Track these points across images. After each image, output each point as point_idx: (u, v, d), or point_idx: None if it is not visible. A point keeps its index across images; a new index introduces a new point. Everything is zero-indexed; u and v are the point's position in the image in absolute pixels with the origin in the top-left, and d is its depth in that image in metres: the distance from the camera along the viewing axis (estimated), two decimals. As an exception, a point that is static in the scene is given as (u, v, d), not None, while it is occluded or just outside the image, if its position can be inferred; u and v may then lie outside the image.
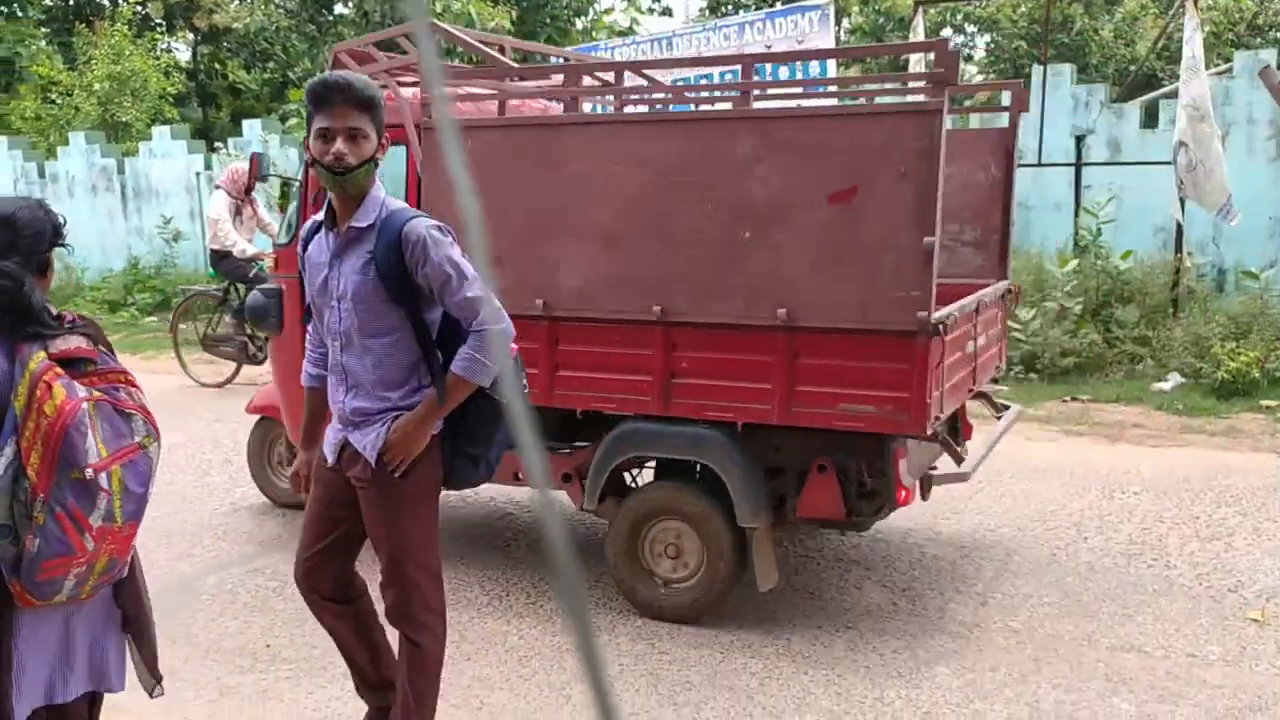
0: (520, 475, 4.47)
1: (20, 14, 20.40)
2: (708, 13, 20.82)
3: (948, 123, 3.63)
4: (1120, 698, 3.58)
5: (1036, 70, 10.06)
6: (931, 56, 4.19)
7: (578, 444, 4.48)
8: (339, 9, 19.78)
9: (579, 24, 21.02)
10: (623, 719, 3.51)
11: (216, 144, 15.66)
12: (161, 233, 14.46)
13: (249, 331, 8.90)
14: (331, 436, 3.00)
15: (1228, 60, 11.13)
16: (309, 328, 3.11)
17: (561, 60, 6.46)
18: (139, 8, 21.45)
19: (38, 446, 2.17)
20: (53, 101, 19.49)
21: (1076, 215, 9.44)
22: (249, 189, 8.94)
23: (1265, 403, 7.39)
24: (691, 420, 4.10)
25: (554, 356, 4.26)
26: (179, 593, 4.78)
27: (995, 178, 5.09)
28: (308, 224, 3.00)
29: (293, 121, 15.43)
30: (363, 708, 3.31)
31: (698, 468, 4.30)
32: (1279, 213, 9.06)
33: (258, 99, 20.55)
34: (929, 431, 3.79)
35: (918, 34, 9.47)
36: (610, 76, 5.29)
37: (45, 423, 2.16)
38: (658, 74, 9.38)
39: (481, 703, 3.68)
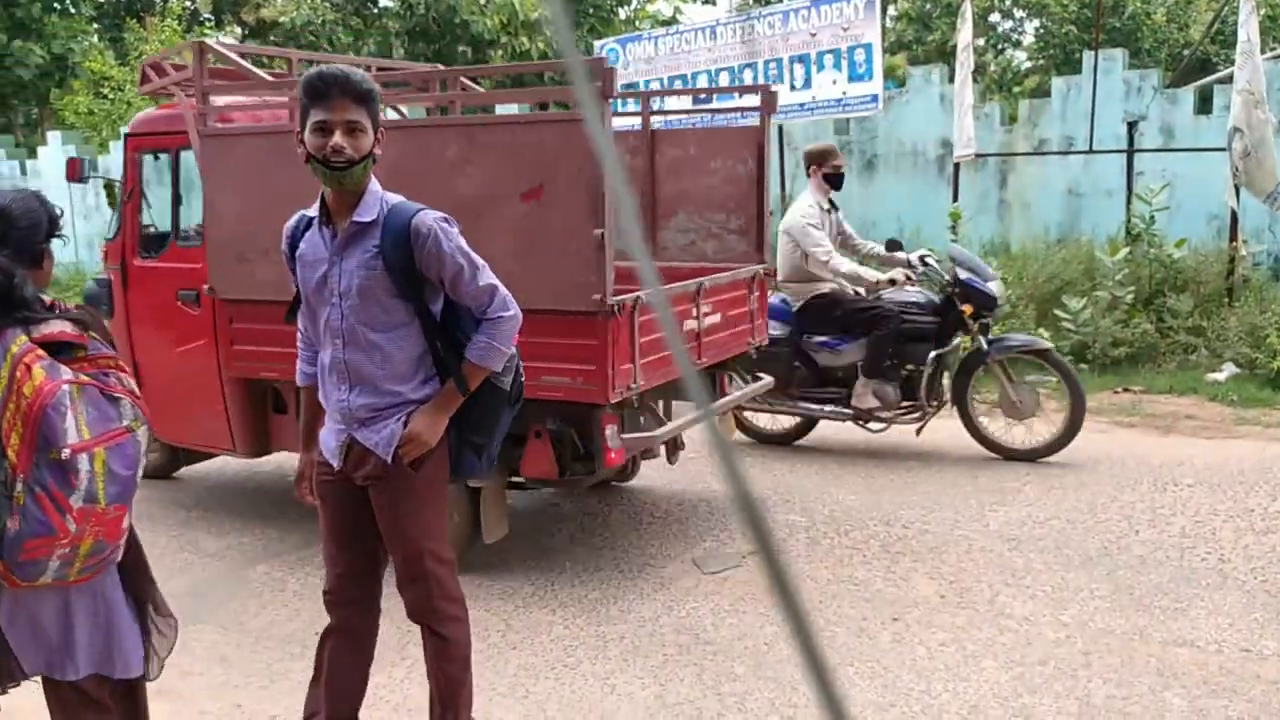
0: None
1: (73, 11, 20.73)
2: (751, 1, 20.70)
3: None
4: (1172, 693, 3.53)
5: (1087, 55, 9.90)
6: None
7: None
8: (384, 1, 19.89)
9: (622, 14, 21.00)
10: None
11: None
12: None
13: None
14: (332, 439, 2.93)
15: (1285, 43, 10.88)
16: (300, 326, 3.03)
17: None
18: (188, 3, 21.72)
19: (17, 427, 2.21)
20: (105, 97, 19.80)
21: (1128, 203, 9.28)
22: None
23: (1323, 393, 7.23)
24: None
25: None
26: (229, 581, 4.85)
27: (751, 171, 5.63)
28: (293, 221, 2.93)
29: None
30: (413, 694, 3.33)
31: None
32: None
33: (304, 92, 20.72)
34: (613, 400, 4.26)
35: (965, 20, 9.35)
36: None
37: (24, 403, 2.20)
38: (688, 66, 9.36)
39: (527, 691, 3.69)
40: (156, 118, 5.70)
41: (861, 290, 6.37)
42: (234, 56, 5.29)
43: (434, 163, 4.36)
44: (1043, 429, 6.18)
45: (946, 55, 17.59)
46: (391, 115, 5.64)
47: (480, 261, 2.83)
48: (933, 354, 6.17)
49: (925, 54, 22.11)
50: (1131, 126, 9.51)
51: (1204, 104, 9.62)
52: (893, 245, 6.59)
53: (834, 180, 6.53)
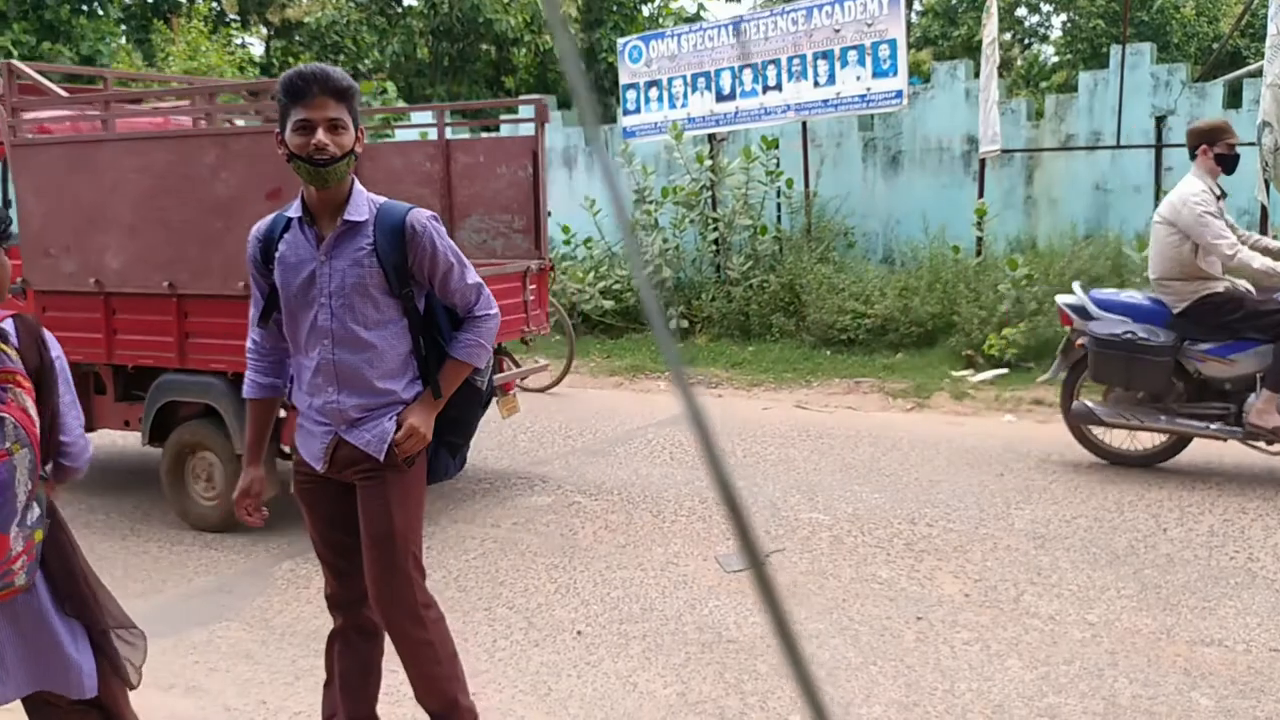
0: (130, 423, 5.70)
1: (101, 13, 20.91)
2: (775, -3, 20.64)
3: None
4: (1200, 692, 3.49)
5: (1115, 50, 9.80)
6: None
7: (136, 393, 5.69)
8: (408, 1, 19.96)
9: (645, 11, 20.98)
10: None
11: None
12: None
13: None
14: (315, 443, 2.88)
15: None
16: (256, 336, 2.96)
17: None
18: (214, 4, 21.87)
19: None
20: (133, 97, 19.93)
21: (1157, 198, 9.18)
22: None
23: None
24: (202, 371, 5.35)
25: (110, 323, 5.52)
26: (254, 578, 4.88)
27: (529, 177, 6.38)
28: (264, 225, 2.88)
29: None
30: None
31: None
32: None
33: (329, 92, 20.82)
34: None
35: (991, 14, 9.29)
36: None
37: None
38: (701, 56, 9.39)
39: (549, 689, 3.70)
40: None
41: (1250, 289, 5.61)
42: (36, 76, 5.99)
43: (197, 168, 5.07)
44: None
45: (972, 51, 17.46)
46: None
47: (466, 260, 2.87)
48: None
49: (951, 49, 21.97)
50: (1160, 121, 9.41)
51: (1233, 98, 9.51)
52: None
53: (1227, 162, 5.72)
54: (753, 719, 3.46)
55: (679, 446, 6.73)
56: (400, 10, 19.98)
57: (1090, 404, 5.86)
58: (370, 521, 2.87)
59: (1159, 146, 9.35)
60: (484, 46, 19.51)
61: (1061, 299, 6.06)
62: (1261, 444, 5.58)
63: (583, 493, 5.86)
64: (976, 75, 9.97)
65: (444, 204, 6.63)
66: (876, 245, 10.86)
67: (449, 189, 6.60)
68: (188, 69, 18.12)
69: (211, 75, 18.25)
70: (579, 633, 4.11)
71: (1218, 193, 5.73)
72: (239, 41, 22.65)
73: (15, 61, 6.08)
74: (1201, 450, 6.12)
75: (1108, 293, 5.99)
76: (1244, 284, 5.64)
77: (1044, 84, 21.58)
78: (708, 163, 10.64)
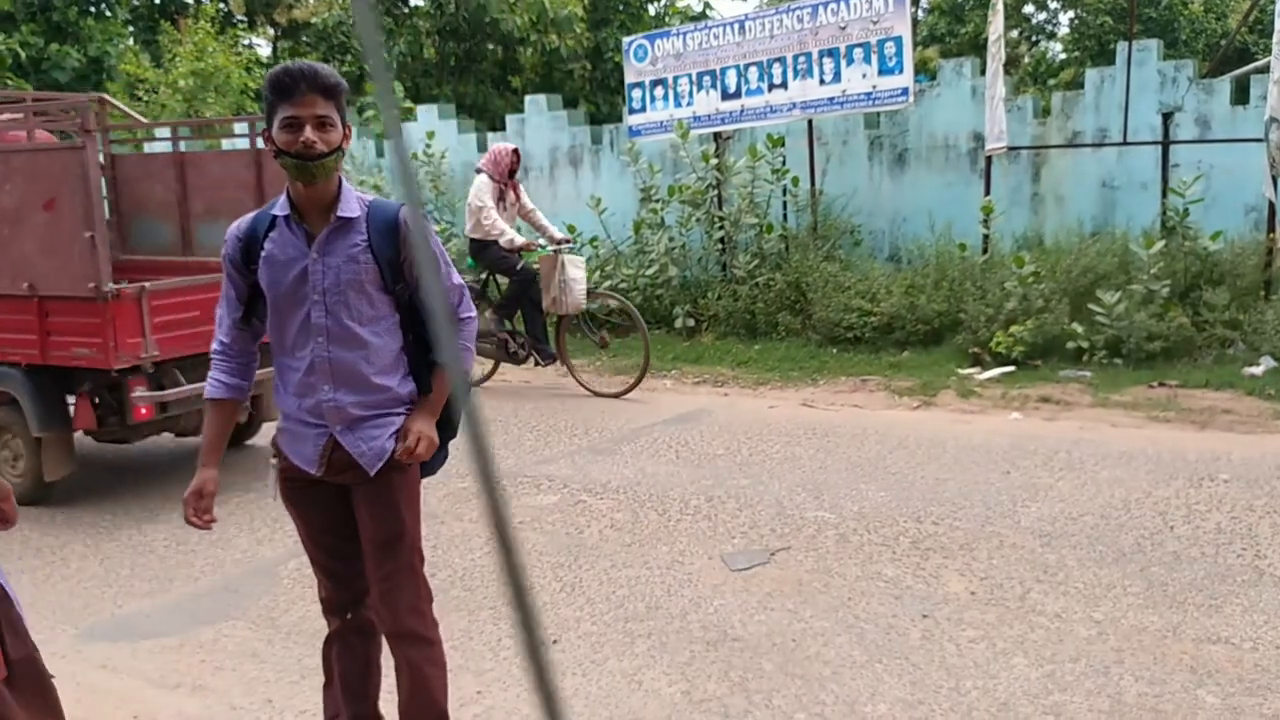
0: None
1: (108, 14, 20.96)
2: (781, -4, 20.62)
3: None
4: (1206, 690, 3.48)
5: (1121, 46, 9.77)
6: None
7: None
8: (415, 1, 19.98)
9: (651, 9, 20.97)
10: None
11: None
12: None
13: (510, 327, 8.50)
14: (307, 445, 2.84)
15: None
16: (225, 338, 2.90)
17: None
18: (221, 5, 21.92)
19: None
20: (140, 98, 20.03)
21: (1164, 195, 9.16)
22: (512, 171, 8.39)
23: (1364, 387, 7.10)
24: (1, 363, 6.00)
25: None
26: (260, 577, 4.89)
27: (251, 180, 7.08)
28: (245, 225, 2.85)
29: (369, 113, 15.64)
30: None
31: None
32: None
33: (336, 92, 20.89)
34: (118, 366, 5.53)
35: (997, 11, 9.26)
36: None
37: None
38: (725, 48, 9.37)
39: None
40: None
41: None
42: None
43: None
44: None
45: (979, 48, 17.44)
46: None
47: (450, 260, 2.89)
48: None
49: (958, 47, 21.94)
50: (1167, 118, 9.38)
51: (1241, 94, 9.48)
52: None
53: None
54: (758, 717, 3.46)
55: (685, 446, 6.73)
56: (407, 10, 20.01)
57: None
58: (379, 525, 2.85)
59: (1166, 143, 9.32)
60: (490, 46, 19.51)
61: None
62: None
63: (588, 492, 5.86)
64: (983, 73, 9.95)
65: (182, 209, 7.52)
66: (883, 243, 10.85)
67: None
68: (195, 70, 18.18)
69: (218, 76, 18.30)
70: (555, 641, 4.11)
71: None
72: (246, 42, 22.70)
73: None
74: (1209, 445, 6.11)
75: None
76: None
77: (1051, 81, 21.53)
78: (713, 161, 10.62)
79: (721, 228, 10.61)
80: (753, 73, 10.50)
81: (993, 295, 8.68)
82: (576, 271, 8.20)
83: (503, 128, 13.59)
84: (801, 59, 10.16)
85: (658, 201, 10.80)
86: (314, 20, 20.21)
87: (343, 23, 20.29)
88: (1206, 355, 8.09)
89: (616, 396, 8.19)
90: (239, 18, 22.98)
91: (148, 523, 5.74)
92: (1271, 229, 8.48)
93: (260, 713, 3.64)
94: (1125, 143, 9.27)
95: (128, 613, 4.58)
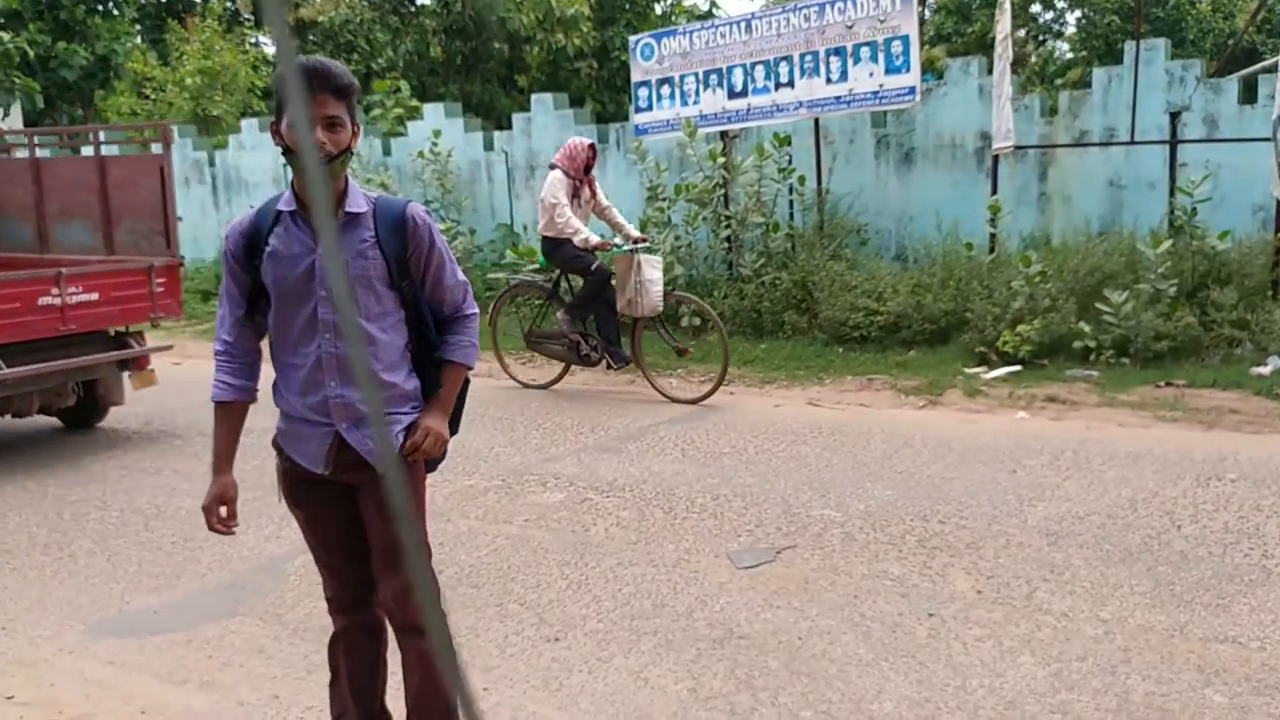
0: None
1: (116, 13, 21.01)
2: (788, -5, 20.61)
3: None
4: (1213, 689, 3.47)
5: (1129, 45, 9.75)
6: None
7: None
8: (421, 0, 20.00)
9: (658, 8, 20.97)
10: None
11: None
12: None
13: (583, 329, 8.23)
14: (312, 444, 2.82)
15: (1333, 31, 10.66)
16: (229, 337, 2.87)
17: None
18: (228, 3, 21.94)
19: None
20: (147, 97, 20.07)
21: (1171, 194, 9.14)
22: (588, 167, 8.09)
23: (1372, 387, 7.08)
24: None
25: None
26: (267, 574, 4.90)
27: (157, 189, 7.55)
28: (249, 219, 2.81)
29: (375, 112, 15.65)
30: None
31: None
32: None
33: (343, 90, 20.93)
34: None
35: (1004, 10, 9.25)
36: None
37: None
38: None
39: (560, 684, 3.70)
40: None
41: None
42: None
43: None
44: None
45: (986, 48, 17.41)
46: None
47: (453, 256, 2.90)
48: None
49: (965, 46, 21.91)
50: (1174, 117, 9.36)
51: (1248, 94, 9.45)
52: None
53: None
54: (764, 714, 3.46)
55: (690, 444, 6.73)
56: (413, 9, 20.02)
57: None
58: (389, 525, 2.83)
59: (1173, 142, 9.30)
60: (497, 45, 19.52)
61: None
62: None
63: (595, 489, 5.86)
64: (990, 72, 9.93)
65: (103, 210, 7.90)
66: (889, 242, 10.84)
67: (105, 198, 7.81)
68: (202, 68, 18.21)
69: (225, 74, 18.33)
70: (556, 639, 4.11)
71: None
72: (253, 41, 22.74)
73: None
74: (1216, 445, 6.09)
75: None
76: None
77: (1058, 80, 21.49)
78: (720, 160, 10.62)
79: (728, 226, 10.60)
80: (759, 71, 10.50)
81: (999, 294, 8.67)
82: (653, 272, 7.86)
83: (509, 127, 13.59)
84: (808, 58, 10.15)
85: (664, 200, 10.79)
86: (321, 19, 20.23)
87: (349, 22, 20.31)
88: (1214, 355, 8.08)
89: (694, 403, 7.83)
90: (246, 16, 23.01)
91: (155, 520, 5.75)
92: (1279, 229, 8.46)
93: (267, 709, 3.65)
94: (1133, 142, 9.25)
95: (135, 609, 4.59)
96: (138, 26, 22.94)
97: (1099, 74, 10.06)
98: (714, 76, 10.81)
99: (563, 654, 3.93)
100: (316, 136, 2.59)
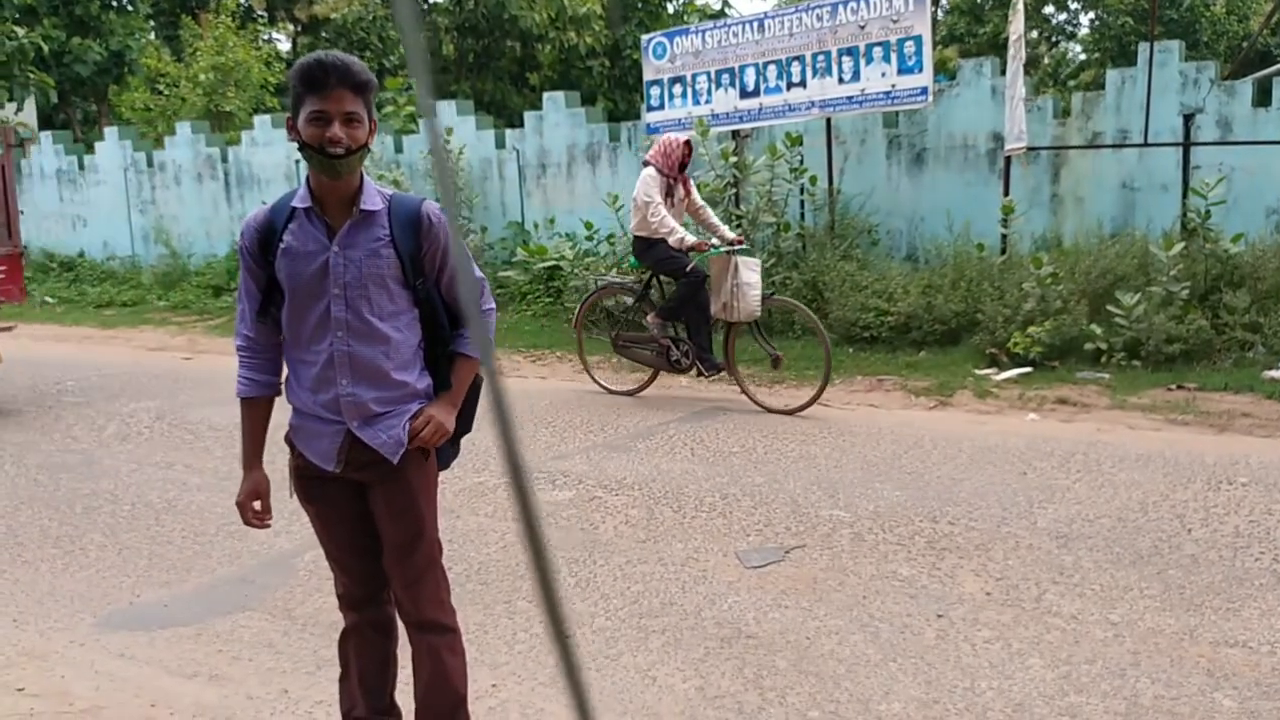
0: None
1: (130, 8, 21.08)
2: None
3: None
4: (1223, 694, 3.46)
5: (1142, 47, 9.72)
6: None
7: None
8: (434, -3, 20.03)
9: (670, 7, 20.96)
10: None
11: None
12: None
13: (674, 333, 7.87)
14: (324, 441, 2.81)
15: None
16: (250, 332, 2.86)
17: None
18: (242, 0, 22.00)
19: None
20: (160, 93, 20.13)
21: (1184, 196, 9.12)
22: (683, 165, 7.74)
23: (1385, 392, 7.05)
24: None
25: None
26: (276, 569, 4.92)
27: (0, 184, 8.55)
28: (262, 215, 2.80)
29: (387, 109, 15.68)
30: None
31: None
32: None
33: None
34: None
35: (1017, 11, 9.23)
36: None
37: None
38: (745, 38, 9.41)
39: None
40: None
41: None
42: None
43: None
44: None
45: (999, 48, 17.37)
46: None
47: (470, 252, 2.88)
48: None
49: (977, 47, 21.86)
50: (1188, 119, 9.33)
51: (1263, 96, 9.42)
52: None
53: None
54: (771, 714, 3.46)
55: (700, 443, 6.73)
56: (426, 7, 20.04)
57: None
58: (398, 526, 2.84)
59: (1187, 145, 9.27)
60: (509, 43, 19.54)
61: None
62: None
63: (604, 488, 5.87)
64: (1003, 73, 9.92)
65: None
66: (900, 243, 10.83)
67: None
68: (215, 64, 18.25)
69: (239, 70, 18.38)
70: (568, 636, 4.12)
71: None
72: (266, 37, 22.80)
73: None
74: (1228, 449, 6.07)
75: None
76: None
77: (1071, 82, 21.42)
78: (732, 159, 10.62)
79: (739, 226, 10.60)
80: (771, 71, 10.49)
81: (1010, 296, 8.65)
82: (751, 275, 7.43)
83: (520, 125, 13.61)
84: (820, 57, 10.15)
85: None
86: (334, 16, 20.27)
87: (362, 18, 20.35)
88: (1226, 358, 8.05)
89: (791, 413, 7.39)
90: (259, 12, 23.06)
91: (165, 514, 5.77)
92: (1292, 232, 8.43)
93: (276, 703, 3.66)
94: (1146, 144, 9.23)
95: (145, 602, 4.61)
96: (152, 22, 23.02)
97: (1112, 75, 10.03)
98: (726, 76, 10.81)
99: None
100: (334, 132, 2.57)
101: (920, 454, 6.29)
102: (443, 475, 3.07)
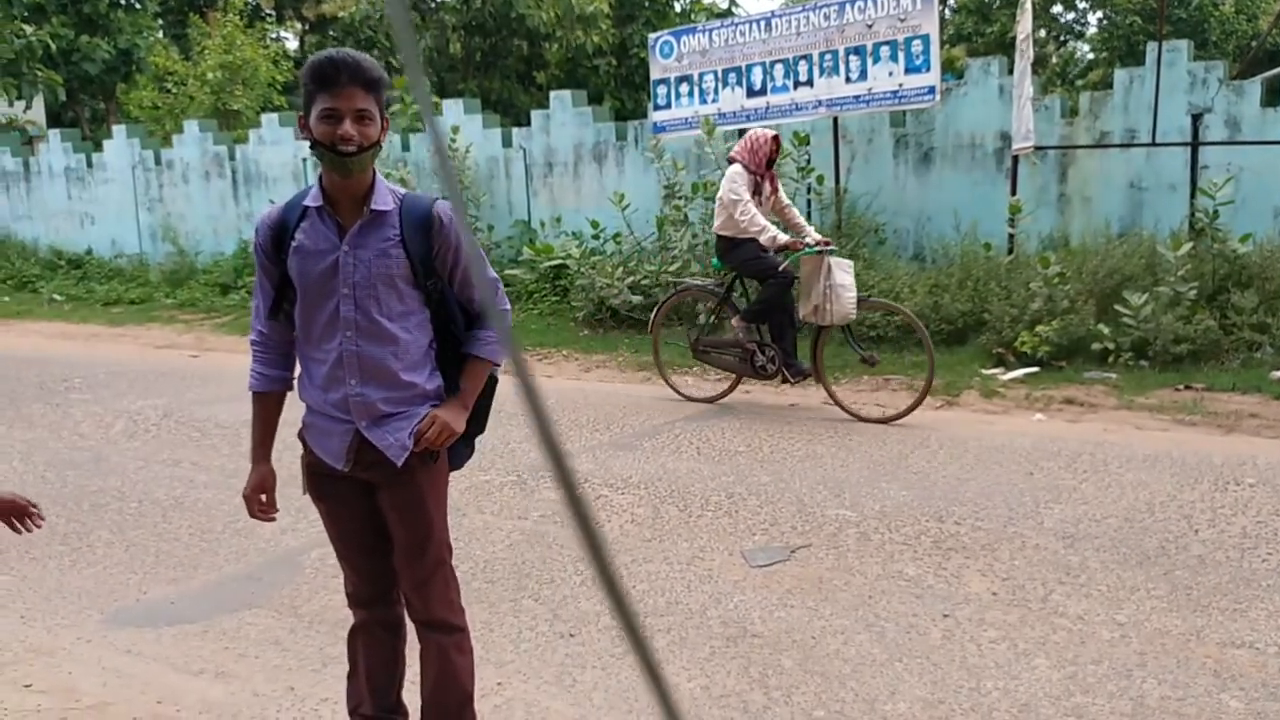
0: None
1: (138, 7, 21.13)
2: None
3: None
4: (1229, 694, 3.46)
5: (1151, 47, 9.70)
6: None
7: None
8: (441, -4, 20.04)
9: (677, 6, 20.96)
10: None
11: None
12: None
13: (760, 337, 7.53)
14: (334, 440, 2.81)
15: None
16: (263, 328, 2.87)
17: None
18: (250, -2, 22.04)
19: None
20: (169, 91, 20.18)
21: (1192, 196, 9.09)
22: (770, 161, 7.40)
23: (1394, 393, 7.02)
24: None
25: None
26: (283, 566, 4.93)
27: None
28: (276, 213, 2.81)
29: (394, 107, 15.69)
30: None
31: None
32: None
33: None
34: None
35: (1025, 10, 9.21)
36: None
37: None
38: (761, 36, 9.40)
39: (574, 680, 3.71)
40: None
41: None
42: None
43: None
44: None
45: (1006, 48, 17.35)
46: None
47: (483, 253, 2.86)
48: None
49: (985, 46, 21.82)
50: (1196, 119, 9.31)
51: (1271, 96, 9.39)
52: None
53: None
54: (777, 713, 3.46)
55: (706, 441, 6.73)
56: (433, 5, 20.07)
57: None
58: (407, 528, 2.84)
59: (1195, 144, 9.25)
60: (516, 42, 19.54)
61: None
62: None
63: (609, 486, 5.87)
64: (1010, 72, 9.90)
65: None
66: (907, 242, 10.81)
67: None
68: (223, 63, 18.29)
69: (246, 69, 18.41)
70: (570, 635, 4.12)
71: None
72: (274, 36, 22.83)
73: None
74: (1235, 449, 6.06)
75: None
76: None
77: (1079, 81, 21.38)
78: (738, 158, 10.61)
79: (745, 225, 10.58)
80: (778, 70, 10.49)
81: (1018, 295, 8.63)
82: (845, 277, 7.09)
83: (527, 123, 13.62)
84: (828, 56, 10.14)
85: (682, 198, 10.80)
86: (341, 14, 20.30)
87: (370, 17, 20.37)
88: (1233, 358, 8.03)
89: (887, 422, 7.07)
90: (267, 11, 23.11)
91: (172, 511, 5.79)
92: (1301, 232, 8.40)
93: (283, 700, 3.67)
94: (1154, 144, 9.20)
95: (152, 599, 4.62)
96: (160, 21, 23.07)
97: (1120, 75, 10.01)
98: (733, 75, 10.80)
99: (577, 650, 3.94)
100: (345, 129, 2.57)
101: (927, 454, 6.28)
102: (450, 474, 3.07)
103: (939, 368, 8.40)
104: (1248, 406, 7.05)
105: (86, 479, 6.45)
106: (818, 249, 7.10)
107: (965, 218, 9.98)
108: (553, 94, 13.51)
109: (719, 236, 7.47)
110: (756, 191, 7.30)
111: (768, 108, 10.64)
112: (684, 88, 11.18)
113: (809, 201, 10.76)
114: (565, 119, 13.03)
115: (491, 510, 5.56)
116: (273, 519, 3.00)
